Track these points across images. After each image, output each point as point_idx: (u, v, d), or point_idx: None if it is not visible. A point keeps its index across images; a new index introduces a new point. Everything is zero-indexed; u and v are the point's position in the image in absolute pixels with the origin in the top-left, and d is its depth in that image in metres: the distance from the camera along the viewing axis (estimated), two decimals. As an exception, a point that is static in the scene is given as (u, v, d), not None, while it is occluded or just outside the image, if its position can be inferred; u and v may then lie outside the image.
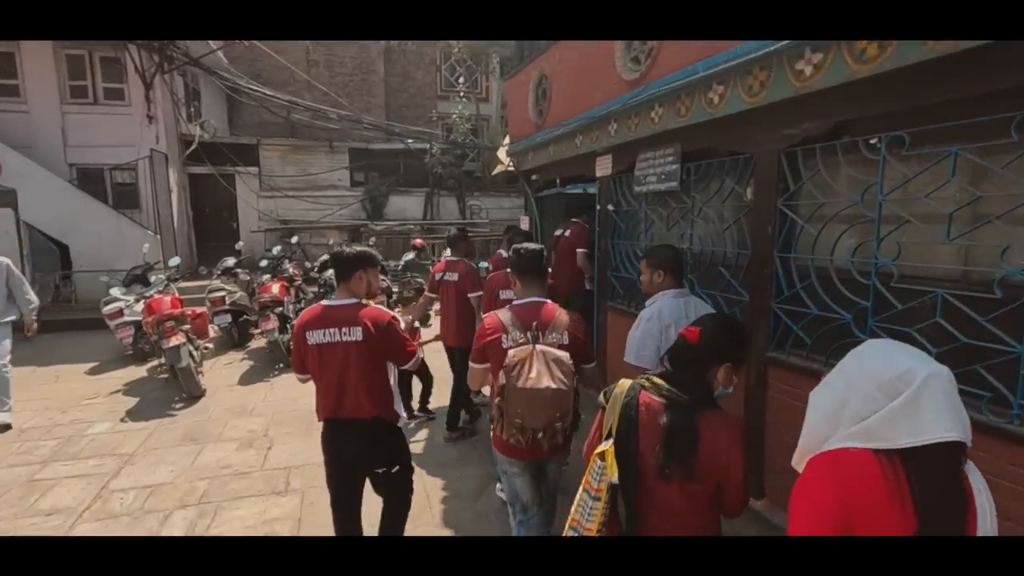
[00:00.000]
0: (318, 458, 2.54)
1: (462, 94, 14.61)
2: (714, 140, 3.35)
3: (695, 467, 1.41)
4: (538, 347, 2.07)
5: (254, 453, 4.27)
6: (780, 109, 2.74)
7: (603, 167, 4.75)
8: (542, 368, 2.00)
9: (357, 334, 2.31)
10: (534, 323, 2.19)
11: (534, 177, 6.28)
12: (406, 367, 2.52)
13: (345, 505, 2.47)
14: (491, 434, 2.30)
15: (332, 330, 2.32)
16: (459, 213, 14.27)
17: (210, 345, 6.32)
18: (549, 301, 2.32)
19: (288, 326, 7.14)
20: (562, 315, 2.25)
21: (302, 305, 8.98)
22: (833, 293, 2.67)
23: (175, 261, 6.57)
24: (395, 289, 9.37)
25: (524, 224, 7.05)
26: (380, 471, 2.48)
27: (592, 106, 4.41)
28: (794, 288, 2.88)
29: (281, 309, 6.82)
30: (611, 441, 1.47)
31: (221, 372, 6.60)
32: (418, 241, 10.30)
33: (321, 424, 2.46)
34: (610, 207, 4.70)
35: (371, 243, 11.10)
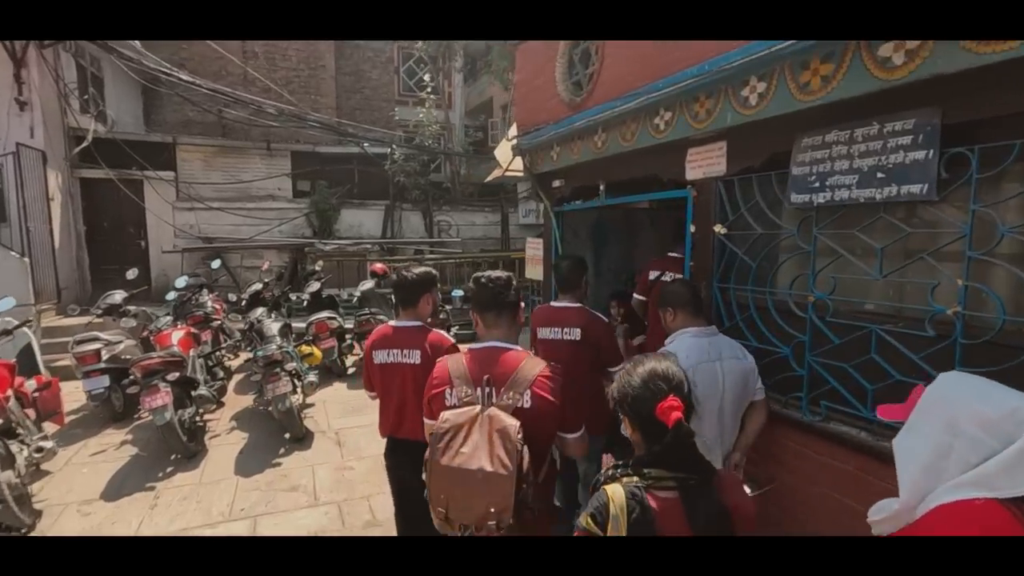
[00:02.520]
0: None
1: (429, 90, 12.63)
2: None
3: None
4: (486, 411, 1.67)
5: None
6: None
7: (704, 164, 2.92)
8: (481, 441, 1.60)
9: (416, 357, 2.36)
10: (486, 376, 1.75)
11: (556, 183, 4.39)
12: None
13: (406, 513, 2.52)
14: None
15: (395, 351, 2.40)
16: (425, 230, 12.23)
17: (47, 443, 3.98)
18: (515, 348, 1.85)
19: (202, 391, 4.93)
20: (529, 367, 1.78)
21: (224, 353, 6.75)
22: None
23: (6, 304, 4.24)
24: (349, 326, 7.29)
25: (534, 248, 5.14)
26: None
27: (694, 63, 2.59)
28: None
29: (179, 374, 4.60)
30: None
31: (79, 473, 4.32)
32: (378, 266, 8.21)
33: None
34: (718, 229, 2.86)
35: (318, 267, 8.89)
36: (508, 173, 5.55)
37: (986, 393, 1.05)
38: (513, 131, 4.82)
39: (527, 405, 1.72)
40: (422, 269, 2.52)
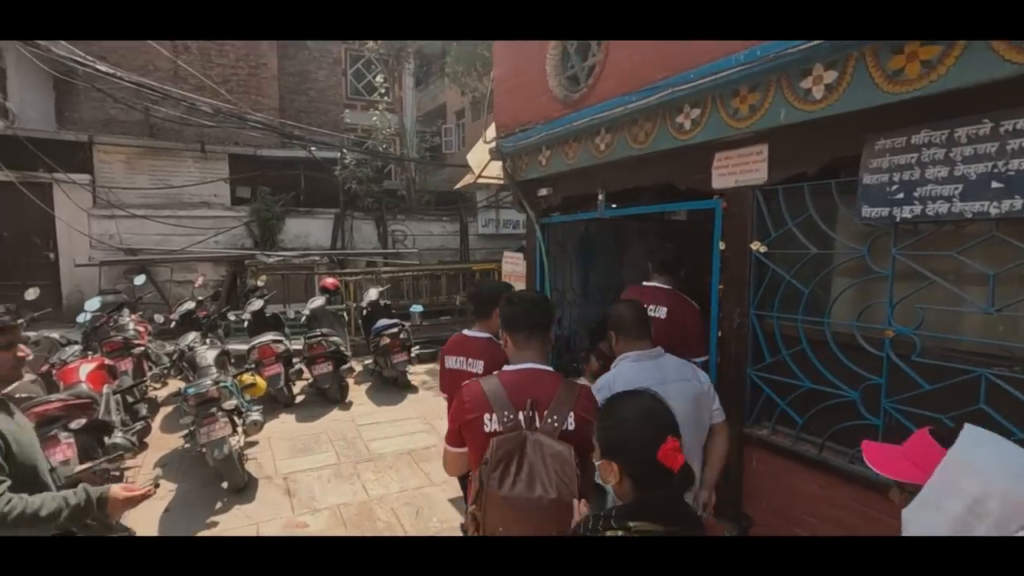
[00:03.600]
0: None
1: (381, 92, 11.92)
2: None
3: None
4: (533, 436, 1.60)
5: None
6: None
7: (738, 171, 2.49)
8: (537, 466, 1.54)
9: (479, 367, 2.39)
10: (529, 400, 1.66)
11: (543, 191, 3.89)
12: None
13: None
14: None
15: (462, 358, 2.50)
16: (378, 240, 11.46)
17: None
18: (550, 369, 1.78)
19: (118, 438, 4.07)
20: (569, 388, 1.72)
21: (148, 384, 5.81)
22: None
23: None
24: (297, 347, 6.50)
25: (513, 264, 4.61)
26: None
27: (731, 51, 2.16)
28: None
29: (87, 419, 3.74)
30: None
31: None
32: (329, 281, 7.46)
33: None
34: (756, 247, 2.43)
35: (260, 282, 7.99)
36: (483, 180, 5.00)
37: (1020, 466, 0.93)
38: (491, 132, 4.29)
39: (571, 427, 1.66)
40: (496, 283, 2.59)
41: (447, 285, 10.31)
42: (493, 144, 4.15)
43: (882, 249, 2.04)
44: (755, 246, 2.45)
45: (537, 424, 1.65)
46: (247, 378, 5.18)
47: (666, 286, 2.80)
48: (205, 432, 4.00)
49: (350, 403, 6.48)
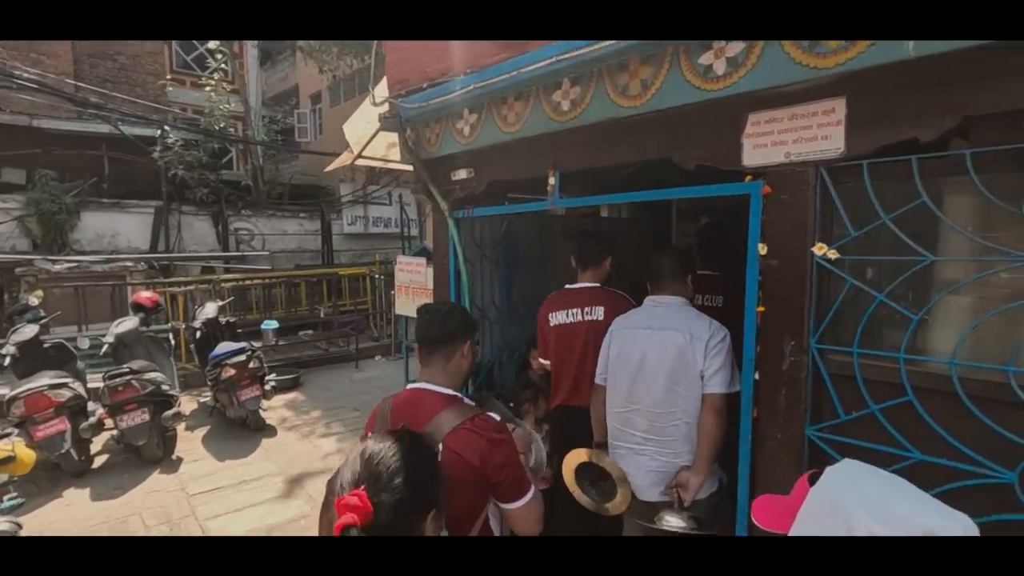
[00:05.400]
0: None
1: (220, 65, 9.81)
2: None
3: None
4: None
5: None
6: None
7: (790, 139, 1.69)
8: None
9: (599, 313, 2.41)
10: (401, 424, 1.42)
11: (462, 173, 2.82)
12: None
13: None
14: None
15: (574, 310, 2.47)
16: (217, 241, 9.37)
17: None
18: (444, 391, 1.56)
19: None
20: (451, 415, 1.46)
21: None
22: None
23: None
24: (99, 387, 4.62)
25: (410, 272, 3.47)
26: None
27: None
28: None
29: None
30: None
31: None
32: (145, 295, 5.62)
33: None
34: (822, 252, 1.64)
35: (33, 300, 5.74)
36: (363, 160, 3.73)
37: (888, 506, 0.91)
38: (382, 92, 3.10)
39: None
40: (607, 227, 2.75)
41: (308, 294, 8.68)
42: (385, 107, 2.98)
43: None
44: (820, 250, 1.66)
45: None
46: (1, 448, 3.38)
47: (595, 283, 2.56)
48: None
49: (178, 460, 4.81)
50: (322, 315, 8.47)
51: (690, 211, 4.34)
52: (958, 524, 0.89)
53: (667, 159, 2.02)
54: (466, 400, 1.58)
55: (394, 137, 3.52)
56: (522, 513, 1.50)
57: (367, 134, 3.39)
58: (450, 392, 1.57)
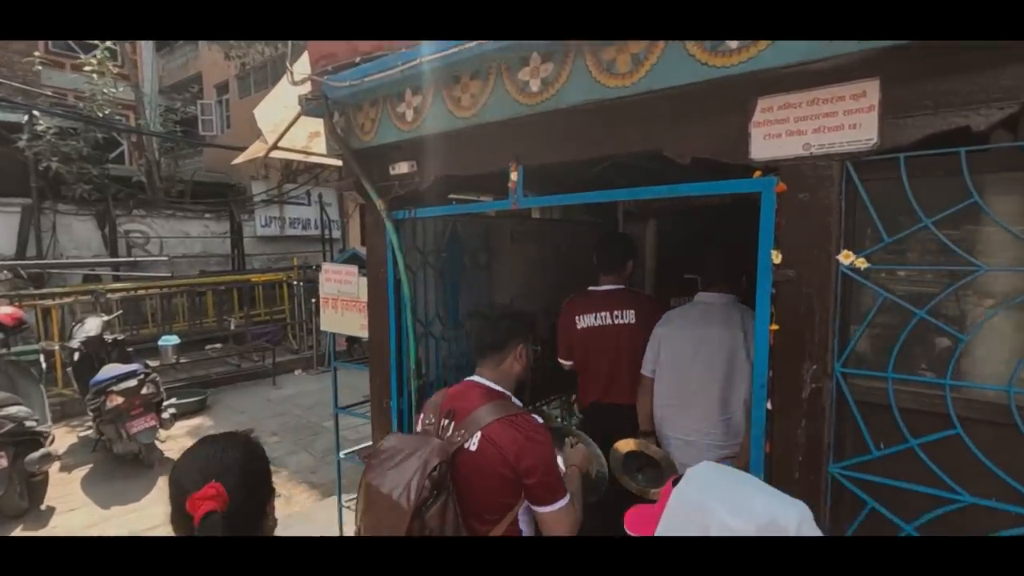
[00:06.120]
0: None
1: (105, 50, 8.61)
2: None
3: None
4: (433, 443, 1.57)
5: None
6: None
7: (815, 128, 1.43)
8: (409, 469, 1.50)
9: (631, 317, 2.48)
10: (450, 409, 1.65)
11: (403, 166, 2.39)
12: None
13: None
14: None
15: (604, 313, 2.52)
16: (104, 244, 8.19)
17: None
18: (493, 387, 1.67)
19: None
20: (494, 408, 1.58)
21: None
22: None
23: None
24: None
25: (340, 281, 2.98)
26: None
27: None
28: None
29: None
30: None
31: None
32: (5, 312, 4.67)
33: None
34: (848, 260, 1.41)
35: None
36: (280, 152, 3.17)
37: (738, 501, 0.95)
38: (302, 69, 2.59)
39: (472, 448, 1.56)
40: (624, 237, 2.74)
41: (216, 304, 7.78)
42: (307, 88, 2.49)
43: None
44: (847, 258, 1.42)
45: (449, 435, 1.62)
46: None
47: (619, 285, 2.62)
48: None
49: (48, 512, 4.03)
50: (232, 327, 7.61)
51: (639, 214, 4.15)
52: (795, 509, 0.95)
53: (657, 151, 1.72)
54: (514, 399, 1.68)
55: (318, 124, 3.00)
56: (553, 519, 1.56)
57: (284, 120, 2.86)
58: (498, 388, 1.68)
